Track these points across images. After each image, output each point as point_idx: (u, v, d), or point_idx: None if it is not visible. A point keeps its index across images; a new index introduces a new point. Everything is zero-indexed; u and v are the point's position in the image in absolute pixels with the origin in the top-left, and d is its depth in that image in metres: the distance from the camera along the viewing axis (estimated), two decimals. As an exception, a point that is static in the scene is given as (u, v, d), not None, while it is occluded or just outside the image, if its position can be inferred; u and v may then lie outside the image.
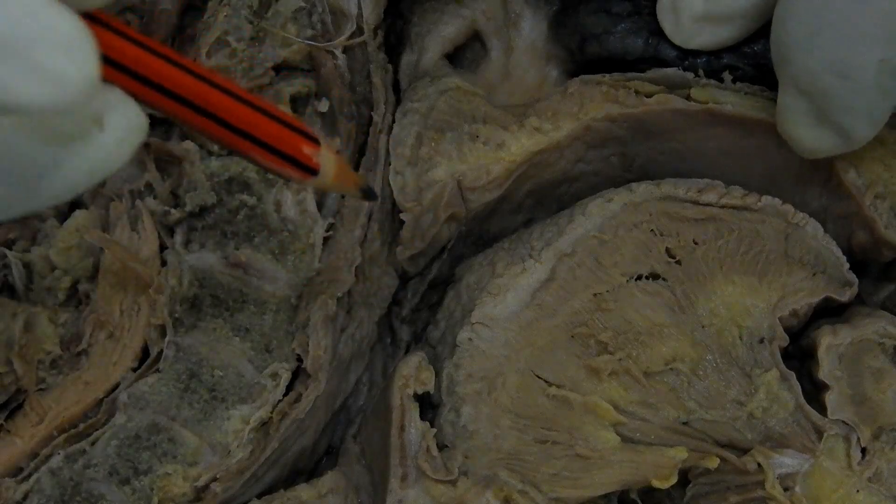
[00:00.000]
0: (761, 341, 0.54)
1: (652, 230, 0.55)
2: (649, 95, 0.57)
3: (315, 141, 0.41)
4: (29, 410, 0.53)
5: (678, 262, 0.55)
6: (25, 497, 0.51)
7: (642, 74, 0.58)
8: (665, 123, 0.57)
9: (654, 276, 0.55)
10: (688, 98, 0.56)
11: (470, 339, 0.54)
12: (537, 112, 0.57)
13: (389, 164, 0.56)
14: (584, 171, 0.59)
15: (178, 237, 0.54)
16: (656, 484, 0.52)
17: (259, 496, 0.53)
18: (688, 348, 0.53)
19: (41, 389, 0.53)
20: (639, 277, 0.54)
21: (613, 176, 0.59)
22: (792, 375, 0.53)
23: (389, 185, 0.56)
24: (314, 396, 0.52)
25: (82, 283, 0.55)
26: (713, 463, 0.52)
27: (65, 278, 0.55)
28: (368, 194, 0.46)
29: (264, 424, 0.52)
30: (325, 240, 0.54)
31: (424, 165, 0.56)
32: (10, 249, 0.55)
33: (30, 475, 0.52)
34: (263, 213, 0.54)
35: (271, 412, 0.52)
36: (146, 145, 0.55)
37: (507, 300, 0.54)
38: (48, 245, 0.55)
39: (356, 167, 0.57)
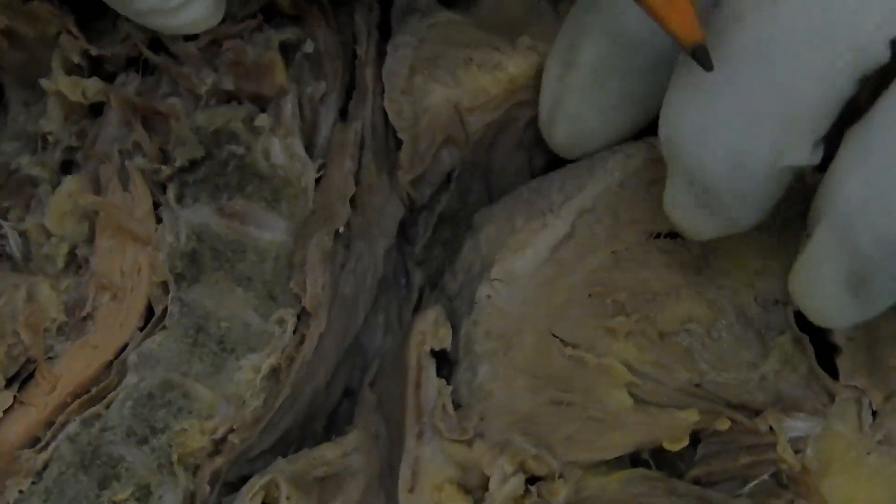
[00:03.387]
0: (776, 303, 0.53)
1: None
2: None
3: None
4: (41, 379, 0.53)
5: None
6: (46, 466, 0.51)
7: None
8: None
9: (672, 235, 0.53)
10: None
11: (489, 296, 0.53)
12: (530, 34, 0.57)
13: (381, 95, 0.56)
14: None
15: (171, 193, 0.54)
16: (668, 446, 0.52)
17: (276, 443, 0.53)
18: (703, 309, 0.53)
19: (50, 358, 0.53)
20: (657, 236, 0.53)
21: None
22: (805, 338, 0.53)
23: (383, 113, 0.56)
24: (317, 335, 0.52)
25: (80, 248, 0.55)
26: (724, 425, 0.51)
27: (62, 245, 0.55)
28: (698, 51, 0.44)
29: (275, 371, 0.52)
30: (318, 180, 0.54)
31: (419, 93, 0.56)
32: (6, 219, 0.55)
33: (48, 444, 0.52)
34: (253, 162, 0.54)
35: (281, 358, 0.52)
36: (132, 104, 0.55)
37: (526, 256, 0.53)
38: (42, 213, 0.55)
39: (345, 105, 0.56)
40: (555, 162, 0.58)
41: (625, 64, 0.51)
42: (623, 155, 0.54)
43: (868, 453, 0.51)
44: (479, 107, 0.56)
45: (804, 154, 0.44)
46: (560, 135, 0.55)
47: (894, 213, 0.42)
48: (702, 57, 0.44)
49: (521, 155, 0.59)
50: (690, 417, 0.51)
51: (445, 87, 0.56)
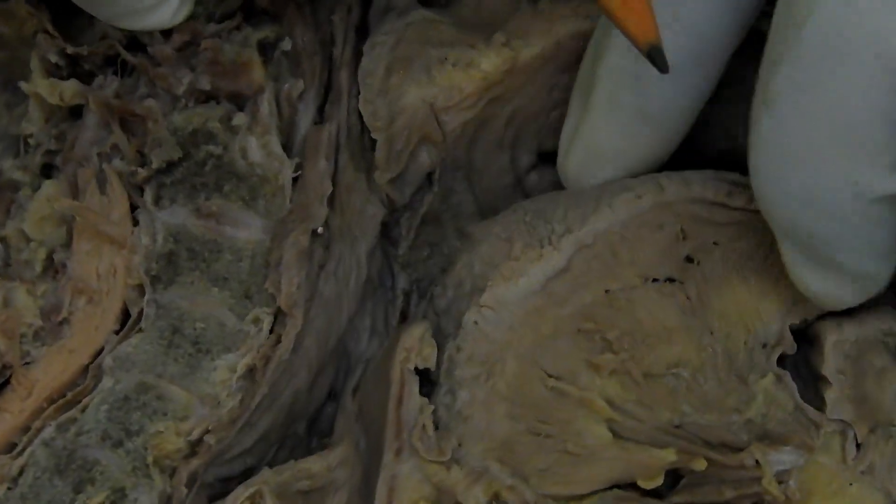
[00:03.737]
0: (763, 346, 0.52)
1: (676, 233, 0.53)
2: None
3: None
4: (17, 385, 0.52)
5: (697, 264, 0.52)
6: (21, 472, 0.51)
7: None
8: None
9: (670, 280, 0.52)
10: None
11: (475, 323, 0.52)
12: (506, 30, 0.56)
13: (356, 96, 0.56)
14: (558, 101, 0.58)
15: (149, 195, 0.54)
16: (642, 484, 0.51)
17: (255, 443, 0.53)
18: (692, 354, 0.52)
19: (27, 363, 0.53)
20: (654, 280, 0.52)
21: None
22: (786, 374, 0.52)
23: (358, 114, 0.56)
24: (293, 334, 0.51)
25: (57, 253, 0.54)
26: (701, 465, 0.50)
27: (40, 250, 0.54)
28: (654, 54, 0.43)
29: (251, 371, 0.51)
30: (295, 179, 0.54)
31: (395, 94, 0.55)
32: (-14, 225, 0.55)
33: (24, 449, 0.51)
34: (230, 162, 0.54)
35: (256, 358, 0.51)
36: (109, 106, 0.55)
37: (518, 285, 0.52)
38: (22, 218, 0.55)
39: (323, 104, 0.56)
40: (542, 160, 0.57)
41: (635, 74, 0.51)
42: (632, 195, 0.53)
43: (850, 484, 0.50)
44: (454, 105, 0.56)
45: (881, 180, 0.43)
46: (573, 160, 0.54)
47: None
48: (657, 58, 0.43)
49: (504, 154, 0.59)
50: (667, 457, 0.50)
51: (420, 86, 0.56)
